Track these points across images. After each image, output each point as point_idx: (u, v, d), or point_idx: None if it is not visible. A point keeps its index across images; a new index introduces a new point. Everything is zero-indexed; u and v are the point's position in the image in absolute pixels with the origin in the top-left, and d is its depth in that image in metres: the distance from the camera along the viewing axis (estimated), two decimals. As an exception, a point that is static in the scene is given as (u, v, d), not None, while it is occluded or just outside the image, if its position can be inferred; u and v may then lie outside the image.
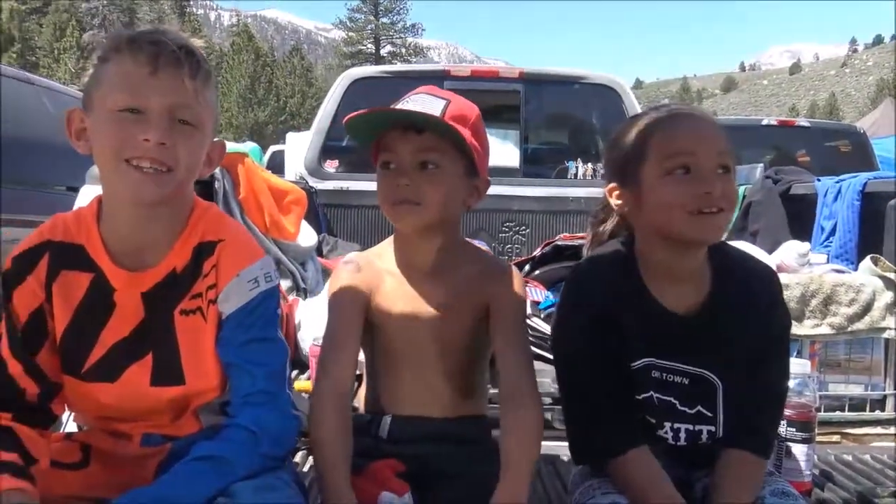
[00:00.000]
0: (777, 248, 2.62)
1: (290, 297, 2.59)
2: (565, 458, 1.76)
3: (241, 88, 42.49)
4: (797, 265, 2.46)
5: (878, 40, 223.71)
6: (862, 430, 2.22)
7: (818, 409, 1.62)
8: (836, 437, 2.18)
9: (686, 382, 1.33)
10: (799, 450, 1.55)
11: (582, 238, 2.66)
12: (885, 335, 2.29)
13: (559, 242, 2.69)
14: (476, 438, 1.43)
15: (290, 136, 5.33)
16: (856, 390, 2.30)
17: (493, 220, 3.80)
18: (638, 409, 1.34)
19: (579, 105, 4.31)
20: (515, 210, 3.79)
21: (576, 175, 4.08)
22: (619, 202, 1.33)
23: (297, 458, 1.66)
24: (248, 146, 3.10)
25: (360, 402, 1.54)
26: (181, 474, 1.11)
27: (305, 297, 2.75)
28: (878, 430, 2.23)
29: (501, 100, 4.00)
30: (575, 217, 3.76)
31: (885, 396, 2.30)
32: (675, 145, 1.25)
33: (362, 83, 3.90)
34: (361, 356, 1.47)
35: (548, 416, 1.80)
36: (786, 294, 2.09)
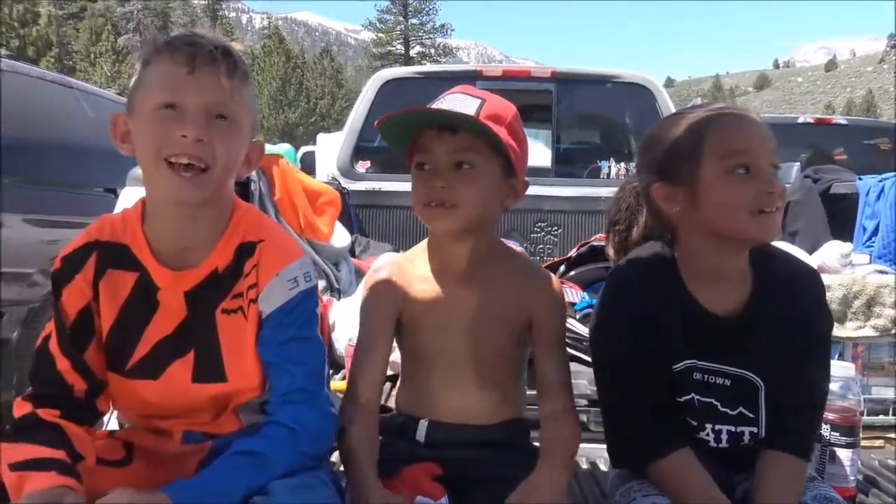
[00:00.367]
0: (817, 248, 2.57)
1: (325, 298, 2.61)
2: (602, 461, 1.75)
3: (273, 90, 42.91)
4: (839, 266, 2.42)
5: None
6: (907, 435, 2.17)
7: (862, 413, 1.59)
8: (879, 442, 2.14)
9: (728, 384, 1.31)
10: (843, 454, 1.53)
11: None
12: (931, 337, 2.24)
13: (595, 243, 2.67)
14: (514, 442, 1.42)
15: (320, 137, 5.36)
16: (901, 394, 2.25)
17: (525, 221, 3.79)
18: (679, 411, 1.32)
19: (612, 104, 4.27)
20: (547, 210, 3.77)
21: (608, 175, 4.04)
22: (669, 203, 1.30)
23: (334, 457, 1.66)
24: (283, 148, 3.13)
25: (393, 401, 1.55)
26: (221, 468, 1.13)
27: (339, 297, 2.77)
28: (924, 434, 2.18)
29: (533, 99, 3.98)
30: (607, 217, 3.72)
31: (930, 400, 2.25)
32: (734, 144, 1.24)
33: (394, 84, 3.91)
34: (396, 356, 1.47)
35: (584, 418, 1.79)
36: (827, 295, 2.05)
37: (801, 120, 6.97)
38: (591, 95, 4.22)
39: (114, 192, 3.97)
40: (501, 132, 1.31)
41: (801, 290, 1.33)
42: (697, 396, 1.32)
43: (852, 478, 1.54)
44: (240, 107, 1.19)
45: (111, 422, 1.46)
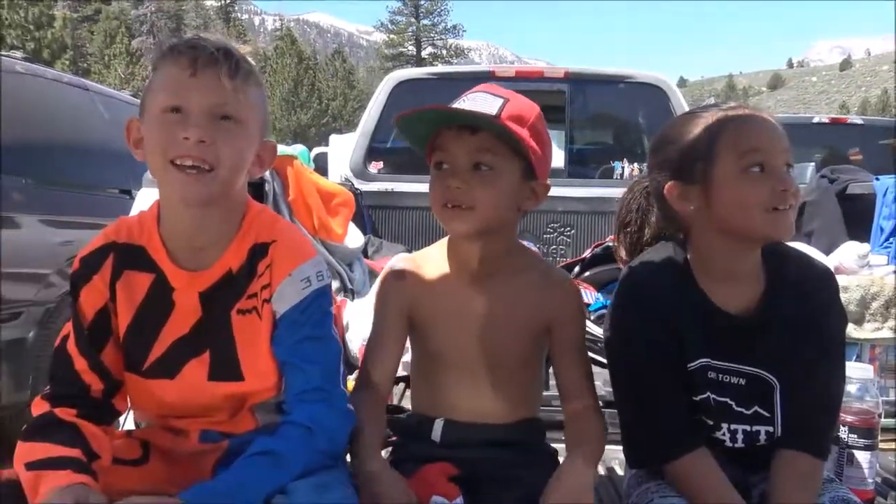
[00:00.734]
0: (833, 249, 2.56)
1: (338, 299, 2.62)
2: (618, 463, 1.74)
3: (285, 92, 43.08)
4: (857, 267, 2.40)
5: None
6: (926, 438, 2.15)
7: (880, 416, 1.58)
8: (898, 445, 2.11)
9: (742, 383, 1.31)
10: (861, 457, 1.52)
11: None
12: (950, 339, 2.21)
13: (610, 243, 2.65)
14: (530, 442, 1.42)
15: (333, 138, 5.36)
16: (919, 396, 2.23)
17: (538, 222, 3.78)
18: (694, 411, 1.32)
19: (625, 105, 4.26)
20: (560, 211, 3.76)
21: (621, 175, 4.03)
22: (683, 201, 1.30)
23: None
24: (297, 149, 3.13)
25: (407, 403, 1.55)
26: (238, 471, 1.13)
27: (353, 298, 2.77)
28: (944, 437, 2.15)
29: (546, 100, 3.96)
30: (617, 219, 3.71)
31: (949, 402, 2.22)
32: (749, 143, 1.24)
33: (407, 85, 3.92)
34: (407, 357, 1.48)
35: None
36: (845, 296, 2.04)
37: (815, 120, 6.92)
38: (604, 96, 4.21)
39: (129, 194, 4.00)
40: (523, 133, 1.29)
41: (815, 288, 1.33)
42: (713, 396, 1.31)
43: (870, 480, 1.52)
44: (244, 107, 1.19)
45: (128, 422, 1.47)
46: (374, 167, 3.96)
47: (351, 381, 2.07)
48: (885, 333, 2.20)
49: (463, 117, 1.29)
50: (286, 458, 1.14)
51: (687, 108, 3.48)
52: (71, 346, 1.23)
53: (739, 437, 1.32)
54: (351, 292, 2.85)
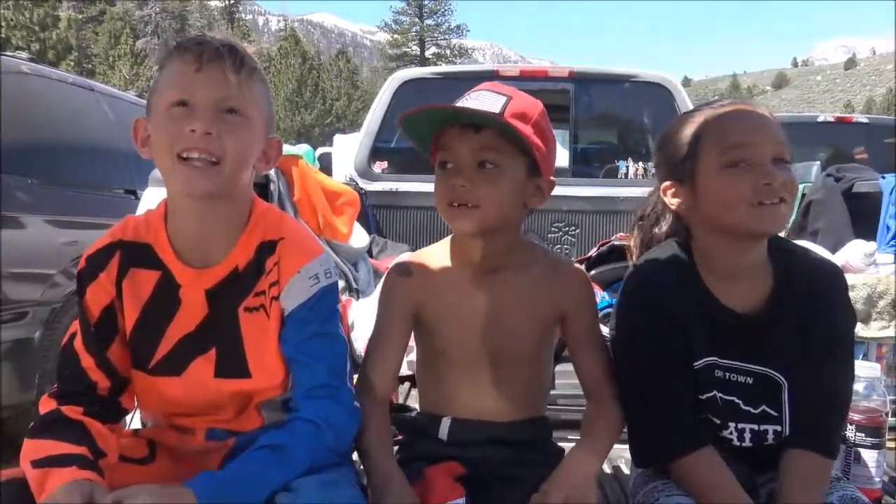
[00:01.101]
0: (839, 247, 2.55)
1: (343, 298, 2.62)
2: (624, 462, 1.74)
3: (289, 92, 43.11)
4: (863, 265, 2.39)
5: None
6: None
7: (887, 414, 1.57)
8: (905, 444, 2.10)
9: (750, 382, 1.31)
10: (868, 456, 1.51)
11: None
12: (957, 338, 2.20)
13: (615, 242, 2.66)
14: (536, 441, 1.42)
15: (337, 138, 5.35)
16: (926, 395, 2.22)
17: (543, 221, 3.77)
18: (702, 410, 1.32)
19: (630, 104, 4.25)
20: (565, 210, 3.75)
21: (626, 175, 4.02)
22: (677, 200, 1.31)
23: (355, 456, 1.66)
24: (302, 149, 3.13)
25: (413, 401, 1.55)
26: (245, 463, 1.14)
27: (358, 297, 2.77)
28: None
29: (551, 99, 3.94)
30: (625, 217, 3.70)
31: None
32: (731, 139, 1.24)
33: (411, 85, 3.91)
34: (412, 356, 1.47)
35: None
36: (852, 295, 2.02)
37: (820, 119, 6.91)
38: (608, 95, 4.20)
39: (134, 194, 4.01)
40: (527, 130, 1.29)
41: (823, 287, 1.32)
42: (720, 395, 1.31)
43: (878, 479, 1.52)
44: (249, 101, 1.21)
45: (134, 421, 1.48)
46: (379, 167, 3.96)
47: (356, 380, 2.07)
48: (892, 332, 2.19)
49: (466, 115, 1.28)
50: (293, 452, 1.15)
51: (691, 107, 3.47)
52: (78, 343, 1.24)
53: (747, 436, 1.32)
54: (356, 292, 2.85)
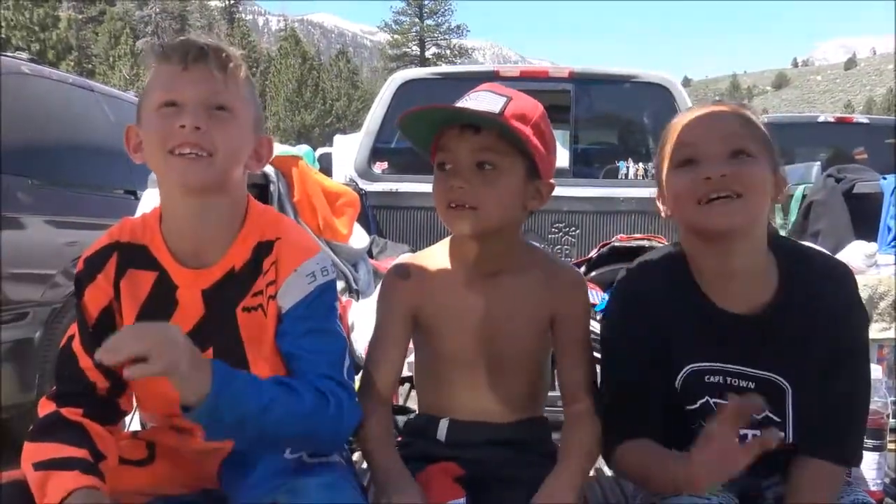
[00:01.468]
0: (840, 248, 2.55)
1: (344, 299, 2.61)
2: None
3: (289, 92, 43.18)
4: (864, 266, 2.39)
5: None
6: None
7: (888, 416, 1.57)
8: (906, 446, 2.10)
9: (752, 387, 1.27)
10: (869, 458, 1.51)
11: (639, 239, 2.62)
12: (958, 339, 2.20)
13: (616, 243, 2.66)
14: (534, 442, 1.42)
15: (337, 138, 5.34)
16: (927, 396, 2.21)
17: (543, 222, 3.77)
18: (693, 419, 1.30)
19: (630, 104, 4.24)
20: (565, 211, 3.75)
21: (626, 175, 4.02)
22: (664, 207, 1.32)
23: (356, 456, 1.66)
24: (302, 149, 3.13)
25: (412, 402, 1.55)
26: (258, 380, 1.16)
27: (358, 298, 2.77)
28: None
29: (551, 100, 3.95)
30: (625, 218, 3.70)
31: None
32: (679, 138, 1.26)
33: (411, 85, 3.91)
34: (411, 358, 1.47)
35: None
36: (853, 296, 2.02)
37: (821, 119, 6.90)
38: (609, 95, 4.20)
39: (134, 195, 4.00)
40: (526, 131, 1.28)
41: (832, 289, 1.27)
42: (714, 400, 1.29)
43: (879, 482, 1.52)
44: (237, 97, 1.22)
45: (133, 423, 1.48)
46: (379, 167, 3.96)
47: (357, 382, 2.07)
48: (893, 333, 2.18)
49: (466, 116, 1.28)
50: (300, 395, 1.16)
51: (692, 108, 3.47)
52: (76, 344, 1.24)
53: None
54: (356, 292, 2.85)
